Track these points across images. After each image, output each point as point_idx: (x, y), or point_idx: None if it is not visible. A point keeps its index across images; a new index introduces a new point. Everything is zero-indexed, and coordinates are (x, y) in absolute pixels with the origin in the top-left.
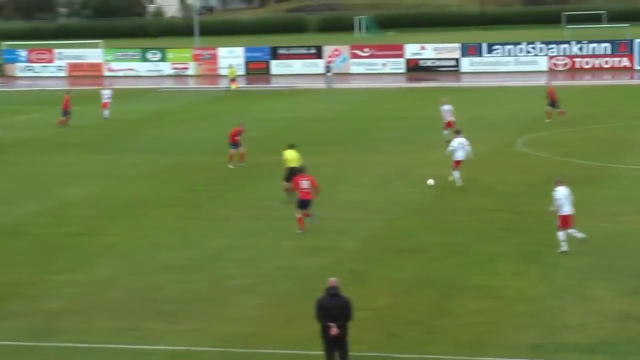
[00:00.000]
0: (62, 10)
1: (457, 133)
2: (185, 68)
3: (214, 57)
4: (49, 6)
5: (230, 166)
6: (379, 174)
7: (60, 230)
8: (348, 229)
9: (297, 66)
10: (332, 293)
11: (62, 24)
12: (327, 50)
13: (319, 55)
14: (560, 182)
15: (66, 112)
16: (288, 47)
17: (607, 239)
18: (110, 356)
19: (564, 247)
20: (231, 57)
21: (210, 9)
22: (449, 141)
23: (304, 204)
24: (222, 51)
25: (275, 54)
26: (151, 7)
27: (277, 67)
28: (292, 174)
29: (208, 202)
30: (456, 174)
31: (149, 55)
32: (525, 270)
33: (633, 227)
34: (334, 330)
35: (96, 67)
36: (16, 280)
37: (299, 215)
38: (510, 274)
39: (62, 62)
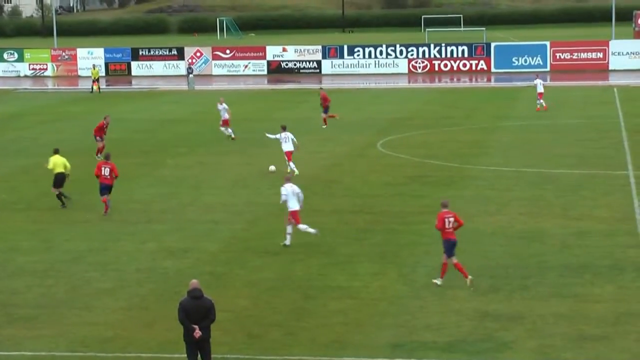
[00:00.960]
0: None
1: (283, 128)
2: (44, 69)
3: (73, 58)
4: None
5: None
6: (240, 175)
7: None
8: (210, 231)
9: (158, 68)
10: (196, 295)
11: None
12: (189, 51)
13: (180, 56)
14: (288, 180)
15: None
16: (149, 49)
17: (463, 239)
18: None
19: (288, 240)
20: (91, 58)
21: (69, 9)
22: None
23: (104, 189)
24: (81, 52)
25: (136, 55)
26: (7, 7)
27: (138, 68)
28: (59, 179)
29: (67, 204)
30: (292, 165)
31: (6, 56)
32: (384, 270)
33: (488, 227)
34: (198, 333)
35: None
36: None
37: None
38: (370, 274)
39: None
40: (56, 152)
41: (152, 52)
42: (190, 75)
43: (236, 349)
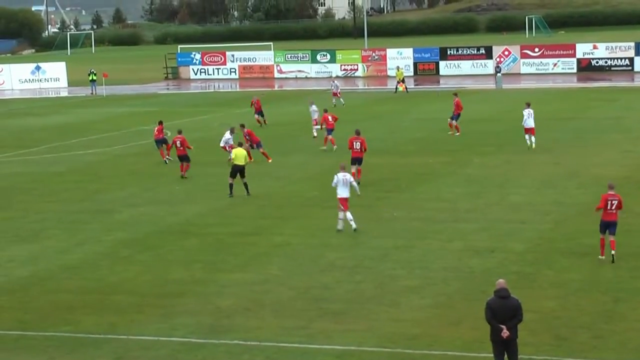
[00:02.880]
0: (235, 14)
1: (528, 105)
2: (355, 69)
3: (383, 58)
4: (222, 10)
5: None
6: (548, 174)
7: (228, 230)
8: (516, 230)
9: (466, 67)
10: (503, 294)
11: (234, 27)
12: (497, 50)
13: (488, 55)
14: (342, 168)
15: (260, 113)
16: (457, 48)
17: None
18: (279, 354)
19: (340, 225)
20: (400, 59)
21: (379, 10)
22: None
23: (355, 161)
24: (391, 52)
25: (444, 55)
26: (321, 9)
27: (445, 68)
28: (238, 171)
29: (375, 202)
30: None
31: (318, 57)
32: None
33: None
34: (506, 333)
35: (267, 69)
36: (187, 278)
37: (353, 171)
38: None
39: (234, 65)
40: (240, 145)
41: (460, 52)
42: (498, 74)
43: (543, 350)
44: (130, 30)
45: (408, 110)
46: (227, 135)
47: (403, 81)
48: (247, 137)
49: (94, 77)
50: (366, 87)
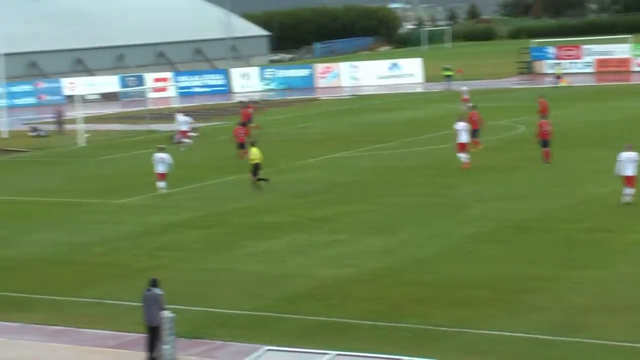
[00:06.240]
0: (592, 6)
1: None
2: None
3: None
4: (578, 3)
5: None
6: None
7: (582, 226)
8: None
9: None
10: None
11: (589, 20)
12: None
13: None
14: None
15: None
16: None
17: None
18: (631, 355)
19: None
20: None
21: None
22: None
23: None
24: None
25: None
26: None
27: None
28: (257, 168)
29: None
30: None
31: None
32: None
33: None
34: None
35: (623, 62)
36: (539, 274)
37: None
38: None
39: (590, 58)
40: (252, 144)
41: None
42: None
43: None
44: (484, 25)
45: None
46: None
47: None
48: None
49: (449, 73)
50: None
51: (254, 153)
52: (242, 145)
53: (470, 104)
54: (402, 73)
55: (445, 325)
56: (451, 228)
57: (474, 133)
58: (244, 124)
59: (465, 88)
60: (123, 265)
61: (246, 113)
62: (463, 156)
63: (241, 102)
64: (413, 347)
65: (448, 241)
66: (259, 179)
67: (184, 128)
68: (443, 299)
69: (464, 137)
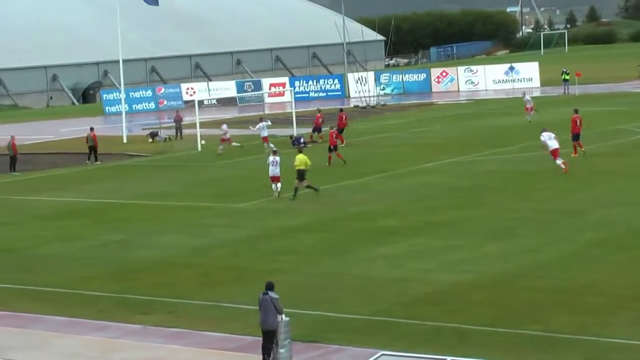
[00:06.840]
0: None
1: None
2: None
3: None
4: None
5: None
6: None
7: None
8: None
9: None
10: None
11: None
12: None
13: None
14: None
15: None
16: None
17: None
18: None
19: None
20: None
21: None
22: None
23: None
24: None
25: None
26: None
27: None
28: (302, 175)
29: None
30: None
31: None
32: None
33: None
34: None
35: None
36: None
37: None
38: None
39: None
40: (300, 151)
41: None
42: None
43: None
44: (604, 28)
45: None
46: None
47: None
48: None
49: (567, 77)
50: None
51: (299, 159)
52: (334, 148)
53: (535, 111)
54: (519, 77)
55: (566, 332)
56: (572, 233)
57: (575, 137)
58: (340, 130)
59: (528, 97)
60: (242, 269)
61: (340, 118)
62: (559, 161)
63: (356, 106)
64: (533, 354)
65: (568, 246)
66: (308, 187)
67: (265, 134)
68: (564, 305)
69: (554, 144)
